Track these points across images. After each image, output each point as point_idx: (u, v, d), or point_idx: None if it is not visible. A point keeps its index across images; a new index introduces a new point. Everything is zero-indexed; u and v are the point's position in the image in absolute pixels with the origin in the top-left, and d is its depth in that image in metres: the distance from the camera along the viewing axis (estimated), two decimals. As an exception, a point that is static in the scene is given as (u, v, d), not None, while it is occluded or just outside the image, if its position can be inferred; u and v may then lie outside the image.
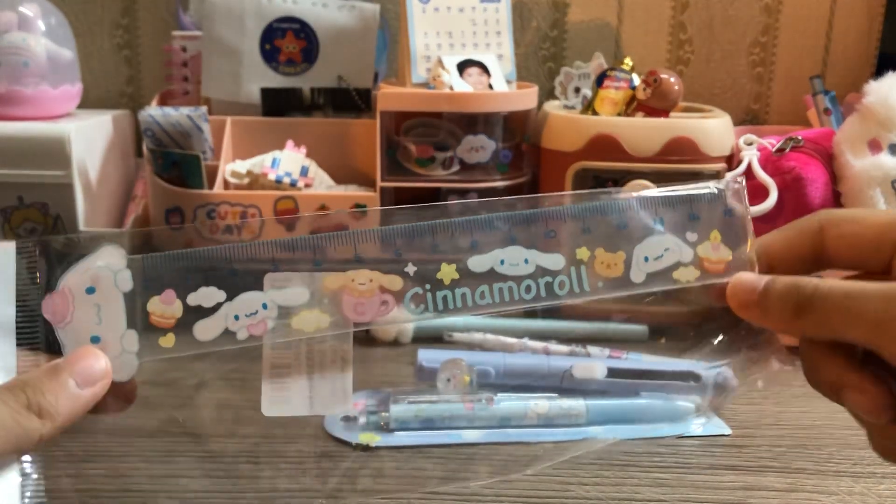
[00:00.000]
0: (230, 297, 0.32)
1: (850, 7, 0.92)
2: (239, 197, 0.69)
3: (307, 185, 0.71)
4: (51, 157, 0.69)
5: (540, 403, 0.53)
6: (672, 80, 0.70)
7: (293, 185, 0.70)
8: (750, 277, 0.32)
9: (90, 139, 0.73)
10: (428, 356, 0.58)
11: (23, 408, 0.28)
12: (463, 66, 0.72)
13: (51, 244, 0.32)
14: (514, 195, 0.75)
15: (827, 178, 0.66)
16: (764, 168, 0.66)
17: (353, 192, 0.72)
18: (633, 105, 0.71)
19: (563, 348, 0.63)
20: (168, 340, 0.32)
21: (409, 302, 0.33)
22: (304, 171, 0.71)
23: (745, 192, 0.35)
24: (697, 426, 0.53)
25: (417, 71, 0.73)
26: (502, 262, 0.34)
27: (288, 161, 0.71)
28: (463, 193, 0.71)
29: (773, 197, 0.64)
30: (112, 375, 0.31)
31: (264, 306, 0.33)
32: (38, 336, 0.32)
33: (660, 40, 0.93)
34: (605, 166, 0.68)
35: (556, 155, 0.70)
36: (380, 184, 0.70)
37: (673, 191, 0.35)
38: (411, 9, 0.73)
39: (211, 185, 0.70)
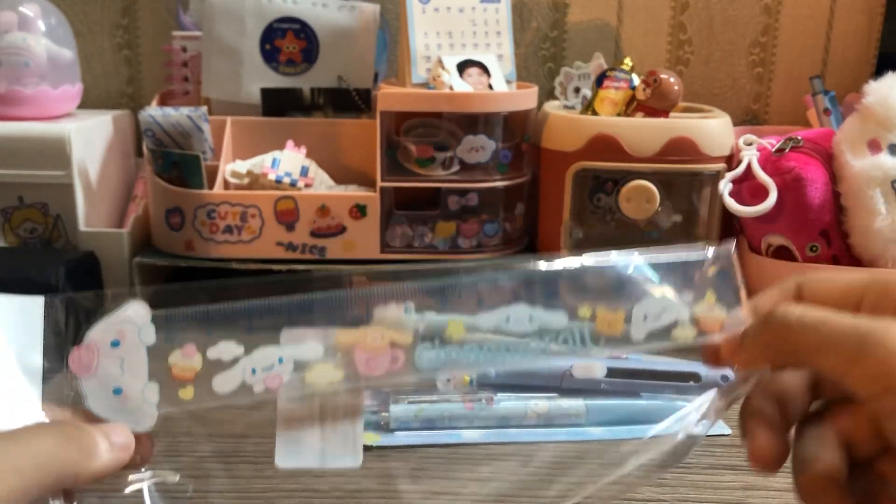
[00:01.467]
0: (248, 352, 0.34)
1: (850, 7, 0.92)
2: (239, 197, 0.69)
3: (307, 185, 0.71)
4: (51, 158, 0.69)
5: (540, 403, 0.53)
6: (672, 80, 0.70)
7: (293, 185, 0.70)
8: (738, 330, 0.34)
9: (90, 139, 0.73)
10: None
11: (71, 442, 0.29)
12: (463, 67, 0.72)
13: (78, 300, 0.34)
14: (514, 195, 0.76)
15: (826, 178, 0.66)
16: (763, 168, 0.66)
17: (353, 192, 0.72)
18: (632, 105, 0.71)
19: (563, 347, 0.63)
20: (187, 393, 0.33)
21: (419, 358, 0.35)
22: (304, 171, 0.71)
23: (736, 256, 0.37)
24: (697, 426, 0.53)
25: (417, 71, 0.73)
26: (508, 319, 0.35)
27: (288, 161, 0.71)
28: (463, 193, 0.72)
29: (772, 197, 0.64)
30: (133, 426, 0.33)
31: (280, 360, 0.34)
32: (62, 388, 0.33)
33: (659, 40, 0.93)
34: (604, 166, 0.68)
35: (555, 155, 0.70)
36: (380, 184, 0.70)
37: (669, 255, 0.37)
38: (411, 9, 0.73)
39: (211, 186, 0.70)
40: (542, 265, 0.36)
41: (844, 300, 0.32)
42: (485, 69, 0.73)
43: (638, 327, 0.35)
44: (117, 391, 0.33)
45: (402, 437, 0.51)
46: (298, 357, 0.34)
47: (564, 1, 0.91)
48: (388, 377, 0.35)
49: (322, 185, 0.73)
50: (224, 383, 0.33)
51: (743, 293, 0.36)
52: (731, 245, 0.37)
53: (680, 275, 0.36)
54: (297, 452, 0.35)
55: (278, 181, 0.70)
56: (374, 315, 0.59)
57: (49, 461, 0.28)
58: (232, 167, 0.72)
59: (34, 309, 0.34)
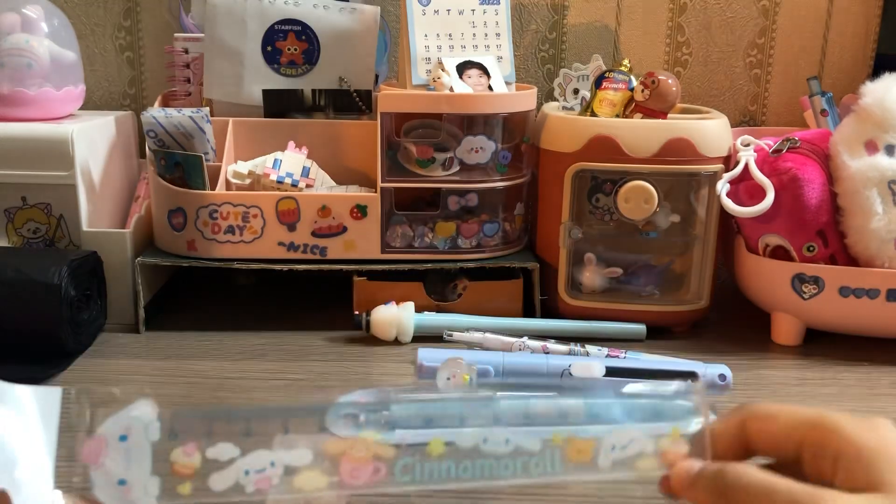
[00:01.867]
0: (243, 453, 0.36)
1: (847, 9, 0.92)
2: (241, 197, 0.70)
3: (308, 186, 0.72)
4: (54, 158, 0.69)
5: (539, 402, 0.53)
6: (670, 81, 0.70)
7: (294, 185, 0.71)
8: (687, 463, 0.37)
9: (93, 140, 0.74)
10: (428, 355, 0.58)
11: None
12: (463, 68, 0.72)
13: (91, 392, 0.37)
14: (514, 195, 0.76)
15: (824, 178, 0.66)
16: (761, 169, 0.66)
17: (353, 192, 0.73)
18: (631, 106, 0.72)
19: (562, 347, 0.63)
20: (185, 488, 0.36)
21: (399, 471, 0.38)
22: (305, 172, 0.72)
23: (705, 397, 0.39)
24: (696, 425, 0.54)
25: (418, 72, 0.73)
26: (485, 440, 0.39)
27: (289, 162, 0.71)
28: (463, 194, 0.72)
29: (769, 197, 0.64)
30: None
31: (272, 464, 0.37)
32: (72, 475, 0.36)
33: (658, 42, 0.93)
34: (603, 167, 0.69)
35: (555, 156, 0.71)
36: (380, 184, 0.71)
37: (643, 391, 0.41)
38: (411, 11, 0.73)
39: (213, 186, 0.71)
40: (525, 396, 0.41)
41: (787, 440, 0.35)
42: (484, 70, 0.73)
43: (605, 456, 0.38)
44: (122, 482, 0.35)
45: (401, 437, 0.51)
46: (289, 462, 0.37)
47: (563, 3, 0.92)
48: (368, 487, 0.37)
49: (323, 185, 0.73)
50: (219, 482, 0.36)
51: (707, 433, 0.38)
52: (699, 383, 0.40)
53: (653, 408, 0.40)
54: None
55: (280, 182, 0.70)
56: (373, 314, 0.60)
57: None
58: (234, 168, 0.73)
59: (52, 398, 0.36)
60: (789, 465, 0.34)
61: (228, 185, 0.72)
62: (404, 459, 0.38)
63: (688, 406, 0.40)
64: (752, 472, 0.33)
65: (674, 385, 0.40)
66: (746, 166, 0.67)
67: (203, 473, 0.35)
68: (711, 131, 0.69)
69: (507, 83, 0.74)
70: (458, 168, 0.72)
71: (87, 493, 0.35)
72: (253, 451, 0.36)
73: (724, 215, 0.69)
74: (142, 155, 0.84)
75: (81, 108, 0.80)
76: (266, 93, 0.75)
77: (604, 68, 0.75)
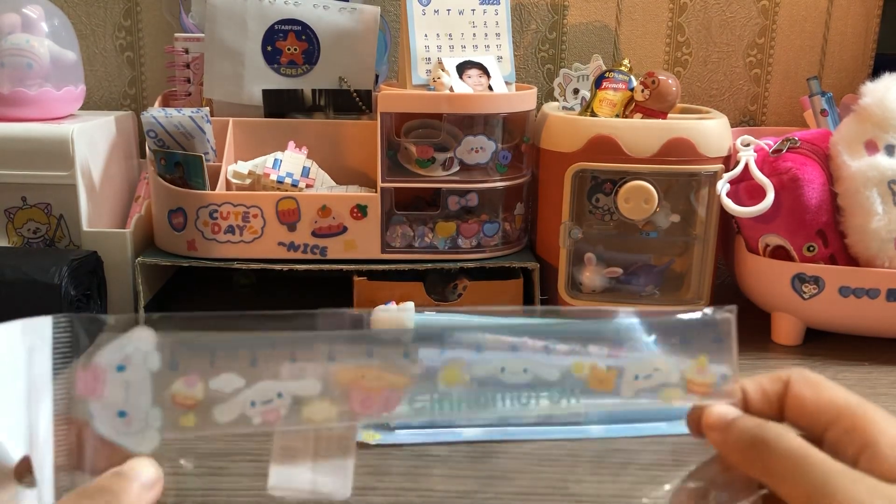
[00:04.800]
0: (249, 384, 0.35)
1: (847, 8, 0.92)
2: (241, 197, 0.70)
3: (308, 186, 0.72)
4: (54, 158, 0.69)
5: (540, 402, 0.53)
6: (670, 81, 0.70)
7: (294, 185, 0.71)
8: (726, 408, 0.36)
9: (93, 140, 0.74)
10: (428, 355, 0.58)
11: None
12: (463, 68, 0.73)
13: (83, 321, 0.35)
14: (514, 195, 0.76)
15: (824, 178, 0.66)
16: (761, 169, 0.66)
17: (353, 192, 0.73)
18: (631, 106, 0.72)
19: (563, 347, 0.63)
20: (189, 420, 0.34)
21: (412, 401, 0.36)
22: (305, 172, 0.72)
23: (735, 320, 0.38)
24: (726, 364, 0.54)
25: (418, 72, 0.73)
26: (503, 370, 0.37)
27: (289, 162, 0.71)
28: (463, 194, 0.72)
29: (769, 197, 0.64)
30: (135, 448, 0.34)
31: (279, 395, 0.35)
32: (70, 404, 0.34)
33: (658, 42, 0.93)
34: (603, 167, 0.69)
35: (555, 156, 0.71)
36: (380, 184, 0.71)
37: (667, 315, 0.38)
38: (411, 11, 0.73)
39: (213, 186, 0.71)
40: (541, 319, 0.38)
41: (819, 415, 0.34)
42: (484, 70, 0.73)
43: (628, 385, 0.37)
44: (122, 414, 0.34)
45: (402, 436, 0.51)
46: (297, 392, 0.35)
47: (563, 3, 0.92)
48: (380, 416, 0.36)
49: (323, 185, 0.73)
50: (224, 413, 0.34)
51: (735, 357, 0.37)
52: (733, 310, 0.38)
53: (676, 335, 0.38)
54: (288, 481, 0.36)
55: (280, 182, 0.70)
56: (373, 315, 0.60)
57: None
58: (234, 168, 0.73)
59: (43, 330, 0.35)
60: (810, 440, 0.33)
61: (228, 185, 0.72)
62: (418, 389, 0.36)
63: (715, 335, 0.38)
64: (792, 436, 0.32)
65: (700, 313, 0.38)
66: (746, 166, 0.67)
67: (206, 405, 0.34)
68: (711, 131, 0.69)
69: (507, 83, 0.74)
70: (458, 168, 0.72)
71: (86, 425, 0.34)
72: (259, 381, 0.34)
73: (725, 215, 0.69)
74: (142, 155, 0.84)
75: (82, 108, 0.80)
76: (266, 93, 0.75)
77: (604, 68, 0.75)
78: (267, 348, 0.35)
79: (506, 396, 0.37)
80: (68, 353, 0.34)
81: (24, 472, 0.32)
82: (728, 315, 0.38)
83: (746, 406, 0.36)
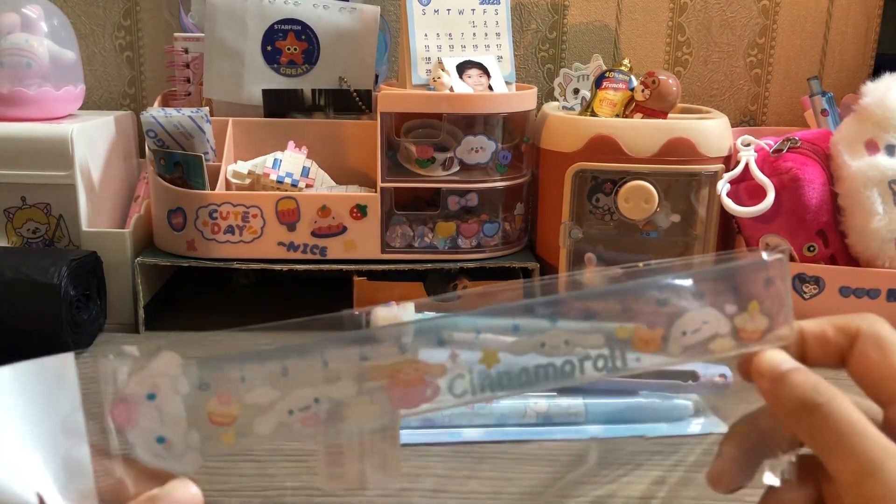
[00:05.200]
0: (283, 396, 0.34)
1: (848, 8, 0.92)
2: (240, 197, 0.70)
3: (308, 186, 0.71)
4: (53, 158, 0.69)
5: (539, 402, 0.53)
6: (670, 81, 0.70)
7: (294, 185, 0.71)
8: (780, 356, 0.33)
9: (92, 140, 0.74)
10: (428, 355, 0.58)
11: None
12: (463, 68, 0.72)
13: (109, 355, 0.34)
14: (514, 195, 0.76)
15: (824, 178, 0.66)
16: (761, 169, 0.66)
17: (353, 192, 0.72)
18: (631, 106, 0.72)
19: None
20: (229, 436, 0.34)
21: (452, 387, 0.35)
22: (305, 172, 0.72)
23: (788, 263, 0.35)
24: (696, 425, 0.54)
25: (418, 72, 0.73)
26: (543, 345, 0.35)
27: (289, 162, 0.71)
28: (463, 194, 0.72)
29: (770, 197, 0.64)
30: (180, 470, 0.34)
31: (316, 400, 0.34)
32: (106, 441, 0.34)
33: (658, 42, 0.93)
34: (603, 167, 0.69)
35: (555, 155, 0.71)
36: (380, 184, 0.70)
37: (716, 267, 0.36)
38: (411, 11, 0.73)
39: (213, 186, 0.71)
40: (579, 282, 0.36)
41: (882, 385, 0.31)
42: (484, 70, 0.73)
43: (675, 343, 0.35)
44: (160, 440, 0.34)
45: (402, 436, 0.51)
46: (333, 395, 0.34)
47: (563, 3, 0.92)
48: (422, 409, 0.35)
49: (323, 185, 0.73)
50: (263, 425, 0.34)
51: (789, 301, 0.34)
52: (786, 253, 0.35)
53: (724, 283, 0.35)
54: (339, 476, 0.36)
55: (279, 181, 0.70)
56: (373, 314, 0.59)
57: None
58: (233, 168, 0.73)
59: (66, 366, 0.34)
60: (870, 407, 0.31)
61: (228, 185, 0.72)
62: (457, 374, 0.35)
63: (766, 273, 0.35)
64: (848, 407, 0.30)
65: (749, 260, 0.36)
66: (747, 166, 0.67)
67: (244, 420, 0.34)
68: (712, 131, 0.69)
69: (507, 83, 0.74)
70: (458, 168, 0.72)
71: (130, 456, 0.34)
72: (294, 390, 0.34)
73: (725, 215, 0.69)
74: (141, 155, 0.84)
75: (81, 108, 0.80)
76: (266, 92, 0.75)
77: (604, 68, 0.75)
78: (296, 356, 0.35)
79: (548, 370, 0.35)
80: (93, 387, 0.34)
81: None
82: (780, 256, 0.35)
83: (804, 353, 0.34)
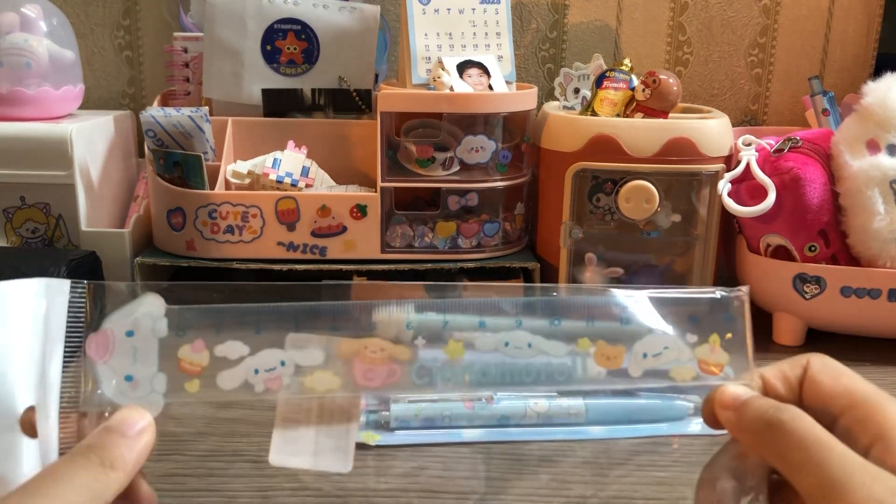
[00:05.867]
0: (253, 352, 0.35)
1: (849, 8, 0.92)
2: (240, 197, 0.69)
3: (308, 186, 0.71)
4: (53, 158, 0.69)
5: (539, 402, 0.53)
6: (671, 80, 0.70)
7: (294, 185, 0.70)
8: (740, 388, 0.35)
9: (92, 140, 0.74)
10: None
11: (97, 466, 0.31)
12: (463, 67, 0.72)
13: (99, 288, 0.36)
14: (514, 195, 0.76)
15: (825, 178, 0.66)
16: (762, 168, 0.66)
17: (353, 192, 0.72)
18: (632, 106, 0.72)
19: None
20: (193, 386, 0.35)
21: (416, 373, 0.36)
22: (304, 172, 0.71)
23: (748, 300, 0.36)
24: (696, 425, 0.53)
25: (418, 72, 0.73)
26: (507, 343, 0.37)
27: (289, 161, 0.71)
28: (463, 193, 0.72)
29: (771, 197, 0.64)
30: (141, 405, 0.35)
31: (282, 363, 0.36)
32: (79, 367, 0.35)
33: (659, 41, 0.93)
34: (604, 167, 0.68)
35: (555, 155, 0.71)
36: (380, 184, 0.70)
37: (677, 293, 0.38)
38: (411, 10, 0.73)
39: (212, 186, 0.70)
40: (548, 294, 0.38)
41: (834, 402, 0.33)
42: (485, 70, 0.73)
43: (636, 364, 0.36)
44: (128, 378, 0.35)
45: (402, 436, 0.51)
46: (300, 362, 0.35)
47: (564, 2, 0.92)
48: (383, 389, 0.36)
49: (323, 185, 0.73)
50: (228, 380, 0.35)
51: (750, 343, 0.36)
52: (745, 290, 0.37)
53: (686, 313, 0.37)
54: (290, 451, 0.36)
55: (279, 181, 0.70)
56: (374, 319, 0.60)
57: (87, 492, 0.30)
58: (233, 167, 0.72)
59: (61, 291, 0.35)
60: (822, 425, 0.32)
61: (228, 185, 0.72)
62: (421, 362, 0.36)
63: (728, 316, 0.37)
64: (810, 423, 0.31)
65: (710, 293, 0.37)
66: (748, 166, 0.67)
67: (211, 371, 0.35)
68: (713, 131, 0.69)
69: (508, 82, 0.74)
70: (458, 168, 0.72)
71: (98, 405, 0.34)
72: (263, 349, 0.35)
73: (726, 215, 0.68)
74: (141, 154, 0.84)
75: (80, 108, 0.80)
76: (265, 92, 0.75)
77: (604, 67, 0.75)
78: (272, 317, 0.36)
79: (510, 371, 0.36)
80: (80, 316, 0.35)
81: (28, 422, 0.33)
82: (740, 294, 0.37)
83: (766, 392, 0.35)
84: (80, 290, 0.35)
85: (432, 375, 0.36)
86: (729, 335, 0.36)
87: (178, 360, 0.35)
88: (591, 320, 0.37)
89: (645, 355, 0.36)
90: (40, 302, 0.34)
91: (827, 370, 0.35)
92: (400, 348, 0.36)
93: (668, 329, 0.36)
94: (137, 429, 0.33)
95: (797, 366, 0.35)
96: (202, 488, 0.46)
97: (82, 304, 0.35)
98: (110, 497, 0.31)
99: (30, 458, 0.33)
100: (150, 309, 0.35)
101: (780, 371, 0.36)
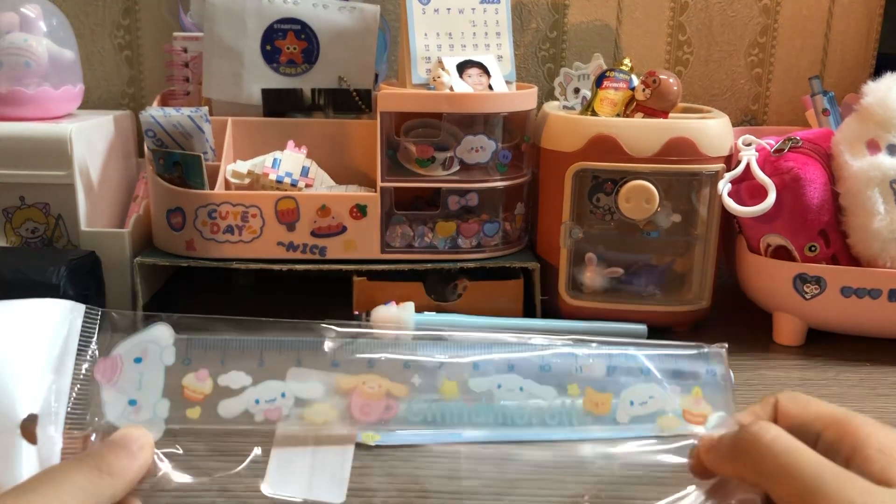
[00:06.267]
0: (255, 383, 0.37)
1: (849, 8, 0.92)
2: (240, 197, 0.69)
3: (308, 186, 0.71)
4: (52, 158, 0.69)
5: (540, 403, 0.53)
6: (671, 80, 0.70)
7: (294, 185, 0.70)
8: (715, 434, 0.37)
9: (91, 139, 0.74)
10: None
11: (93, 470, 0.32)
12: (463, 67, 0.72)
13: (111, 315, 0.38)
14: (514, 195, 0.76)
15: (825, 178, 0.66)
16: (762, 168, 0.66)
17: (353, 192, 0.72)
18: (632, 106, 0.71)
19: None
20: (195, 413, 0.37)
21: (411, 410, 0.38)
22: (304, 172, 0.71)
23: (726, 355, 0.39)
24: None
25: (417, 72, 0.73)
26: (499, 386, 0.39)
27: (289, 161, 0.71)
28: (463, 193, 0.72)
29: (771, 197, 0.64)
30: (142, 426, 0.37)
31: (283, 395, 0.37)
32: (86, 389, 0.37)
33: (659, 41, 0.93)
34: (604, 167, 0.68)
35: (555, 155, 0.70)
36: (380, 184, 0.70)
37: (662, 348, 0.40)
38: (411, 10, 0.73)
39: (212, 186, 0.70)
40: (538, 341, 0.40)
41: (809, 427, 0.35)
42: (485, 70, 0.73)
43: (623, 411, 0.38)
44: (132, 402, 0.36)
45: (402, 436, 0.51)
46: (300, 394, 0.37)
47: (564, 2, 0.92)
48: (378, 424, 0.38)
49: (322, 185, 0.73)
50: (229, 409, 0.37)
51: (731, 390, 0.38)
52: (724, 347, 0.39)
53: (672, 366, 0.39)
54: (285, 481, 0.38)
55: (279, 181, 0.70)
56: (373, 314, 0.61)
57: (81, 494, 0.31)
58: (233, 167, 0.72)
59: (79, 314, 0.37)
60: None
61: (227, 185, 0.72)
62: (418, 399, 0.38)
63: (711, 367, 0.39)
64: (785, 436, 0.32)
65: (694, 348, 0.40)
66: (748, 166, 0.67)
67: (213, 400, 0.36)
68: (713, 131, 0.69)
69: (508, 82, 0.74)
70: (458, 168, 0.72)
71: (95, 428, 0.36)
72: (265, 381, 0.37)
73: (726, 215, 0.68)
74: (140, 154, 0.84)
75: (80, 108, 0.80)
76: (265, 92, 0.75)
77: (604, 67, 0.75)
78: (275, 350, 0.38)
79: (502, 412, 0.39)
80: (90, 339, 0.37)
81: (29, 429, 0.34)
82: (720, 350, 0.39)
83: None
84: (94, 316, 0.37)
85: (426, 413, 0.38)
86: (711, 387, 0.38)
87: (181, 388, 0.36)
88: (579, 369, 0.39)
89: (632, 403, 0.38)
90: (63, 321, 0.36)
91: (795, 402, 0.36)
92: (397, 385, 0.38)
93: (652, 380, 0.39)
94: (138, 445, 0.34)
95: (767, 405, 0.37)
96: (201, 488, 0.45)
97: (93, 329, 0.37)
98: (104, 503, 0.32)
99: (29, 462, 0.34)
100: (160, 338, 0.37)
101: (752, 414, 0.37)
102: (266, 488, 0.37)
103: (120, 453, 0.33)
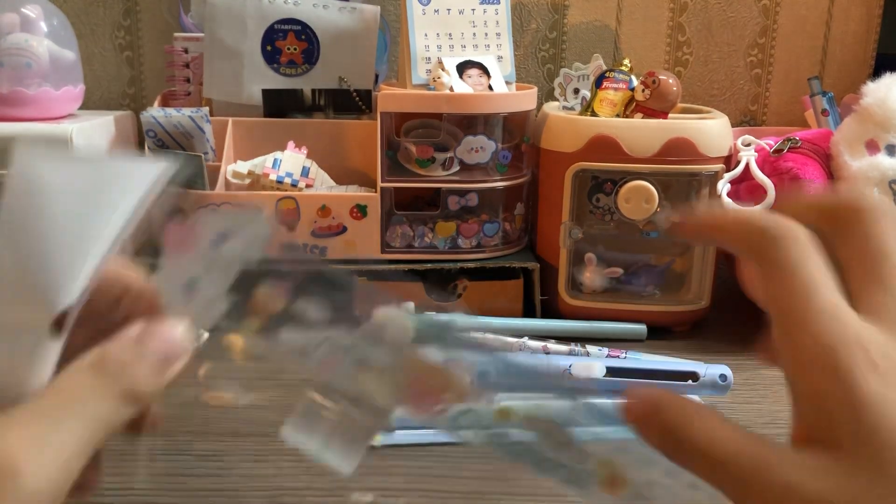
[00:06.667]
0: (327, 325, 0.32)
1: (848, 8, 0.92)
2: (240, 197, 0.69)
3: (308, 186, 0.71)
4: (53, 158, 0.69)
5: (539, 402, 0.53)
6: (670, 81, 0.70)
7: (294, 185, 0.71)
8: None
9: (92, 140, 0.74)
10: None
11: (117, 398, 0.27)
12: (463, 68, 0.72)
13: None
14: (514, 195, 0.76)
15: (825, 178, 0.66)
16: (762, 169, 0.66)
17: (353, 192, 0.72)
18: (631, 106, 0.72)
19: (563, 348, 0.63)
20: (254, 324, 0.31)
21: (458, 416, 0.34)
22: (305, 172, 0.71)
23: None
24: None
25: (418, 72, 0.73)
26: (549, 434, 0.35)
27: (289, 161, 0.71)
28: (463, 194, 0.72)
29: (770, 197, 0.64)
30: (191, 321, 0.30)
31: (346, 349, 0.32)
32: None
33: (658, 42, 0.93)
34: (603, 167, 0.68)
35: (555, 156, 0.71)
36: (380, 184, 0.70)
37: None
38: (411, 10, 0.73)
39: (213, 186, 0.70)
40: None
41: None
42: (485, 70, 0.73)
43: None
44: (190, 284, 0.30)
45: (402, 436, 0.51)
46: (363, 356, 0.32)
47: (564, 2, 0.92)
48: (421, 418, 0.34)
49: (323, 185, 0.73)
50: (289, 338, 0.31)
51: None
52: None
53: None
54: (305, 430, 0.34)
55: (279, 181, 0.70)
56: (375, 314, 0.59)
57: (100, 426, 0.27)
58: (233, 168, 0.73)
59: (151, 173, 0.29)
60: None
61: (228, 185, 0.72)
62: (468, 408, 0.33)
63: None
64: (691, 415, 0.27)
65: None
66: (747, 166, 0.67)
67: (276, 324, 0.31)
68: (712, 131, 0.69)
69: (508, 83, 0.74)
70: (458, 168, 0.72)
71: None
72: (336, 328, 0.31)
73: (725, 215, 0.68)
74: (141, 154, 0.84)
75: (81, 108, 0.80)
76: (266, 92, 0.75)
77: (604, 68, 0.75)
78: (362, 298, 0.33)
79: (547, 462, 0.35)
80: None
81: (59, 324, 0.28)
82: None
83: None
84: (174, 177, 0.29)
85: (470, 426, 0.34)
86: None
87: (251, 295, 0.30)
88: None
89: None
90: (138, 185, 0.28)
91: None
92: (457, 386, 0.33)
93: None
94: (173, 355, 0.29)
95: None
96: (202, 487, 0.46)
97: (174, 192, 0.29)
98: (120, 427, 0.28)
99: (52, 361, 0.28)
100: (252, 227, 0.30)
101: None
102: (285, 431, 0.33)
103: (147, 371, 0.28)
